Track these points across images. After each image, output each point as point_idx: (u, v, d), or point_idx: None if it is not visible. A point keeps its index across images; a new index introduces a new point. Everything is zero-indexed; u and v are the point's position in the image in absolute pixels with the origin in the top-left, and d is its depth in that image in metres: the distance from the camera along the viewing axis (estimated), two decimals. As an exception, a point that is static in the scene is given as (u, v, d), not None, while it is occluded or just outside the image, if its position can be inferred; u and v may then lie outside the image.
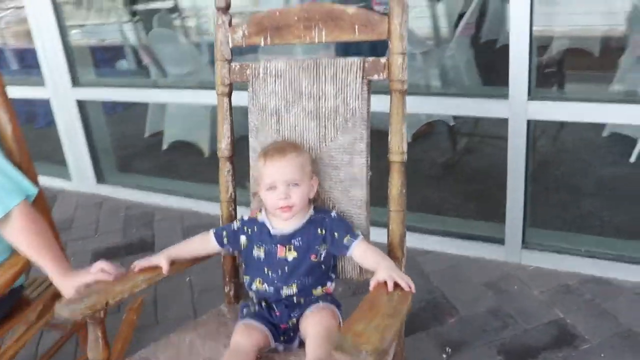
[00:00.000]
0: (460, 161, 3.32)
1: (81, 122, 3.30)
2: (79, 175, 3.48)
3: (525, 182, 2.11)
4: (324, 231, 1.28)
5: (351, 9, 1.30)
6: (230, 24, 1.42)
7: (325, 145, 1.36)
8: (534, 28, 1.91)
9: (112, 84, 3.53)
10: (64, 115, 3.33)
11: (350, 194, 1.36)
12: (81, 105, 3.29)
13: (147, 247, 2.73)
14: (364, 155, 1.34)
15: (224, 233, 1.36)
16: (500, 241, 2.25)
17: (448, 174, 3.13)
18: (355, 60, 1.32)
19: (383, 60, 1.29)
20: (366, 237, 1.32)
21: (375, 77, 1.31)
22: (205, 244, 1.38)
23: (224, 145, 1.47)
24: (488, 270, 2.24)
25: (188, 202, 3.06)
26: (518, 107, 2.00)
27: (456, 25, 3.51)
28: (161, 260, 1.30)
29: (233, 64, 1.44)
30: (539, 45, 3.41)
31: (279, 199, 1.24)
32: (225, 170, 1.49)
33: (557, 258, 2.19)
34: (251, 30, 1.40)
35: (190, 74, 3.88)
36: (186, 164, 3.76)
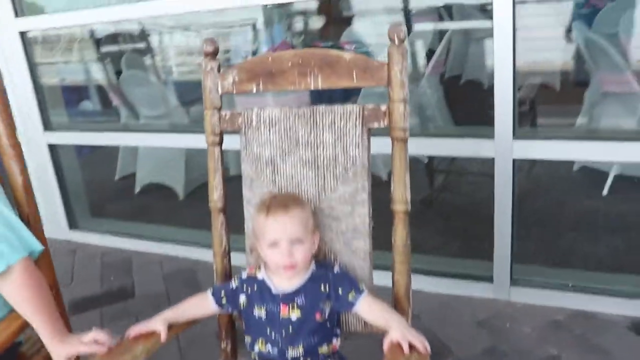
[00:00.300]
0: (438, 198, 3.26)
1: (53, 166, 3.13)
2: (50, 221, 3.28)
3: (512, 220, 2.05)
4: (327, 288, 1.18)
5: (348, 55, 1.23)
6: (219, 69, 1.33)
7: (325, 195, 1.27)
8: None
9: (85, 127, 3.38)
10: (34, 160, 3.14)
11: (352, 246, 1.27)
12: (52, 149, 3.12)
13: (127, 295, 2.56)
14: (365, 205, 1.25)
15: (222, 293, 1.24)
16: (489, 279, 2.19)
17: (427, 211, 3.07)
18: (354, 108, 1.23)
19: (383, 107, 1.22)
20: (370, 289, 1.23)
21: (376, 124, 1.23)
22: (202, 305, 1.26)
23: (216, 196, 1.36)
24: (478, 309, 2.16)
25: (166, 247, 2.91)
26: (504, 147, 1.96)
27: (427, 63, 3.50)
28: (158, 325, 1.18)
29: (223, 112, 1.34)
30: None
31: (282, 257, 1.13)
32: (218, 222, 1.38)
33: (544, 293, 2.14)
34: (242, 77, 1.31)
35: (162, 117, 3.75)
36: (161, 207, 3.61)
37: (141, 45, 4.61)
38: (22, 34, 2.96)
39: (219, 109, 1.34)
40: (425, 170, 3.31)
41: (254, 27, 5.14)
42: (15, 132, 1.42)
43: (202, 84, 1.33)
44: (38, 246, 1.29)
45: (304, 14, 4.90)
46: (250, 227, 1.33)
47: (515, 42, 1.85)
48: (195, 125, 3.88)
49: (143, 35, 4.59)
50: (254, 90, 1.30)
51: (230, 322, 1.37)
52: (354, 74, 1.23)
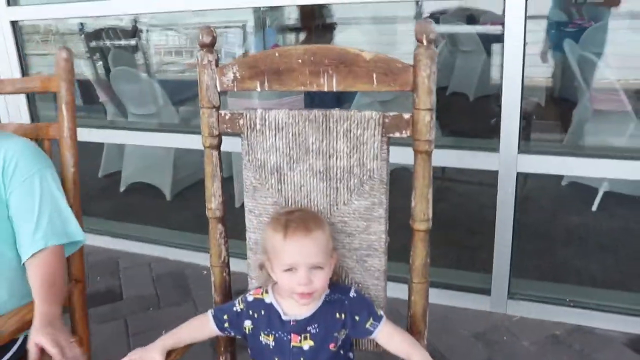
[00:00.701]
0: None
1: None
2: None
3: (513, 234, 1.91)
4: (343, 315, 1.00)
5: (369, 54, 1.04)
6: (217, 64, 1.13)
7: (337, 209, 1.09)
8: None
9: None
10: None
11: (366, 264, 1.10)
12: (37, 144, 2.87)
13: (114, 297, 2.36)
14: (382, 222, 1.08)
15: (225, 317, 1.06)
16: (486, 291, 2.04)
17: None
18: (374, 115, 1.06)
19: (407, 116, 1.04)
20: (385, 310, 1.07)
21: (397, 134, 1.05)
22: (202, 328, 1.07)
23: (214, 205, 1.17)
24: (475, 321, 2.02)
25: (155, 248, 2.70)
26: (508, 160, 1.82)
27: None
28: (156, 355, 0.99)
29: (222, 112, 1.14)
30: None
31: (299, 284, 0.95)
32: (217, 232, 1.19)
33: (541, 308, 2.01)
34: (244, 74, 1.11)
35: (151, 115, 3.52)
36: (147, 207, 3.38)
37: (130, 42, 4.37)
38: (14, 24, 2.73)
39: (217, 108, 1.15)
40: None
41: (244, 28, 4.94)
42: (75, 124, 1.34)
43: (198, 79, 1.13)
44: (81, 237, 1.23)
45: (296, 18, 4.73)
46: (253, 239, 1.15)
47: (524, 57, 1.71)
48: (185, 125, 3.68)
49: (132, 33, 4.36)
50: (258, 89, 1.11)
51: (229, 337, 1.18)
52: (374, 76, 1.04)
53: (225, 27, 5.24)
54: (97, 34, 4.01)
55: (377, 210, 1.08)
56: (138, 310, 2.27)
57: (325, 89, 1.07)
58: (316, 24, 4.67)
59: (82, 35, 3.83)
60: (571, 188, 2.88)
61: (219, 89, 1.13)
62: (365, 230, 1.09)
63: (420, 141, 1.03)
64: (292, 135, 1.09)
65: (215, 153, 1.15)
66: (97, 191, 3.63)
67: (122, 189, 3.55)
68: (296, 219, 0.99)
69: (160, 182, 3.41)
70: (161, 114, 3.52)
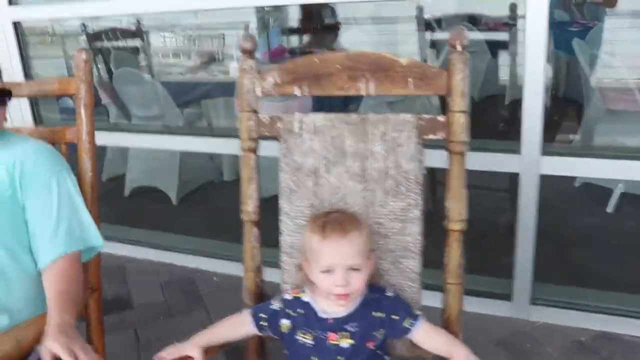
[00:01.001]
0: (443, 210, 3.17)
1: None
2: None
3: (536, 238, 1.98)
4: (381, 314, 1.07)
5: (404, 60, 1.13)
6: (257, 69, 1.22)
7: (373, 210, 1.17)
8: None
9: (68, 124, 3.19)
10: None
11: (401, 265, 1.17)
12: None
13: (124, 305, 2.41)
14: (417, 224, 1.16)
15: (263, 315, 1.12)
16: (506, 297, 2.10)
17: (435, 224, 2.98)
18: (409, 118, 1.14)
19: (441, 118, 1.13)
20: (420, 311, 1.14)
21: (432, 136, 1.14)
22: (240, 327, 1.14)
23: (250, 208, 1.24)
24: (496, 328, 2.08)
25: (163, 254, 2.76)
26: (530, 162, 1.89)
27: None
28: (193, 351, 1.05)
29: (261, 116, 1.22)
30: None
31: (336, 285, 1.02)
32: (251, 235, 1.25)
33: (564, 313, 2.06)
34: (284, 79, 1.20)
35: (155, 117, 3.59)
36: (153, 211, 3.44)
37: (132, 43, 4.45)
38: (16, 24, 2.79)
39: (256, 112, 1.22)
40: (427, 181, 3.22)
41: (246, 29, 5.02)
42: (93, 128, 1.38)
43: (238, 83, 1.22)
44: (99, 242, 1.25)
45: (299, 18, 4.80)
46: (288, 242, 1.22)
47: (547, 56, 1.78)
48: (190, 127, 3.75)
49: (135, 34, 4.44)
50: (298, 93, 1.20)
51: (259, 341, 1.25)
52: (410, 81, 1.13)
53: (228, 28, 5.33)
54: (99, 35, 4.09)
55: (412, 211, 1.15)
56: (148, 319, 2.30)
57: (364, 94, 1.15)
58: (319, 25, 4.77)
59: (84, 37, 3.90)
60: (585, 189, 2.95)
61: (259, 94, 1.21)
62: (401, 231, 1.16)
63: (455, 142, 1.11)
64: (330, 138, 1.17)
65: (252, 156, 1.23)
66: (101, 195, 3.67)
67: (126, 193, 3.62)
68: (333, 220, 1.06)
69: (166, 186, 3.48)
70: (165, 116, 3.60)
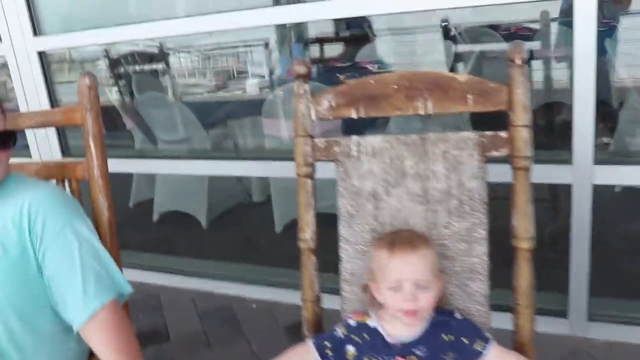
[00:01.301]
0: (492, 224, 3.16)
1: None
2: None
3: (590, 250, 1.97)
4: (451, 337, 1.08)
5: (462, 77, 1.16)
6: (311, 93, 1.25)
7: (437, 232, 1.18)
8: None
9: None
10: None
11: (468, 288, 1.18)
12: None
13: (161, 337, 2.42)
14: (484, 244, 1.17)
15: (327, 343, 1.13)
16: (562, 314, 2.08)
17: (494, 241, 2.96)
18: (471, 135, 1.16)
19: (504, 134, 1.14)
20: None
21: (495, 153, 1.15)
22: (302, 358, 1.14)
23: (308, 235, 1.26)
24: (553, 347, 2.05)
25: (198, 281, 2.78)
26: (583, 173, 1.88)
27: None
28: None
29: (317, 140, 1.25)
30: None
31: (404, 301, 1.04)
32: (309, 264, 1.27)
33: (625, 330, 2.03)
34: (339, 101, 1.23)
35: (181, 141, 3.65)
36: (183, 237, 3.47)
37: (154, 66, 4.53)
38: (41, 54, 2.87)
39: (312, 137, 1.25)
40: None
41: (266, 46, 5.09)
42: (106, 163, 1.31)
43: (294, 108, 1.25)
44: (127, 288, 1.18)
45: (320, 35, 4.87)
46: (349, 270, 1.24)
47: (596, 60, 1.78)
48: (217, 150, 3.80)
49: (156, 56, 4.53)
50: (354, 116, 1.22)
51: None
52: (469, 98, 1.15)
53: (246, 46, 5.41)
54: (119, 60, 4.18)
55: (478, 231, 1.16)
56: (187, 351, 2.30)
57: (422, 113, 1.17)
58: (343, 37, 4.82)
59: (106, 61, 3.99)
60: (626, 194, 2.91)
61: (314, 118, 1.23)
62: (467, 252, 1.17)
63: (519, 158, 1.12)
64: (389, 159, 1.19)
65: (309, 182, 1.25)
66: (130, 221, 3.74)
67: (155, 218, 3.66)
68: (402, 237, 1.10)
69: (195, 210, 3.51)
70: (192, 139, 3.65)
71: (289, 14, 2.46)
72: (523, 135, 1.12)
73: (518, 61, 1.11)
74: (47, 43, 2.90)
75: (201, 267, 2.89)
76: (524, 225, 1.14)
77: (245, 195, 3.67)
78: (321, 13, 2.22)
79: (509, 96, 1.12)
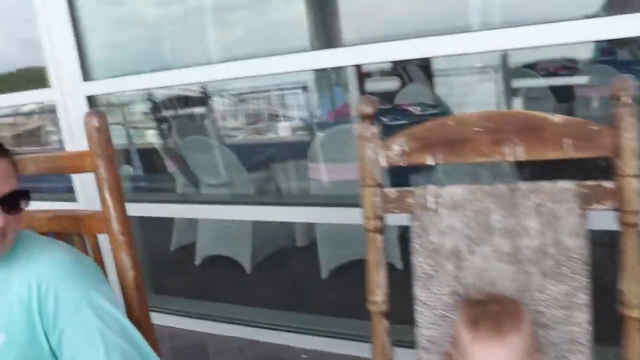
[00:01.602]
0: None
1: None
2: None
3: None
4: None
5: (558, 118, 0.99)
6: (380, 136, 1.09)
7: (529, 296, 1.00)
8: None
9: (136, 197, 3.14)
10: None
11: (568, 362, 0.98)
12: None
13: (210, 389, 2.26)
14: (586, 310, 0.98)
15: None
16: None
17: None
18: (569, 185, 0.98)
19: (609, 184, 0.96)
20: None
21: (597, 206, 0.97)
22: None
23: (379, 297, 1.09)
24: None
25: (244, 329, 2.61)
26: None
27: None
28: None
29: (387, 190, 1.09)
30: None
31: None
32: (381, 328, 1.10)
33: None
34: (413, 146, 1.07)
35: (224, 185, 3.54)
36: (227, 282, 3.33)
37: (195, 109, 4.49)
38: (90, 98, 2.82)
39: (381, 186, 1.09)
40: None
41: (304, 89, 5.02)
42: (126, 215, 1.13)
43: (359, 154, 1.09)
44: None
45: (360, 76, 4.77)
46: (427, 336, 1.06)
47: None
48: (261, 195, 3.68)
49: (196, 99, 4.49)
50: (431, 163, 1.06)
51: None
52: (566, 142, 0.98)
53: (279, 89, 5.35)
54: (162, 103, 4.14)
55: (579, 296, 0.98)
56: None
57: (511, 159, 1.01)
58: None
59: (149, 104, 3.95)
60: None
61: (383, 164, 1.07)
62: (565, 320, 0.99)
63: (628, 213, 0.94)
64: (472, 213, 1.02)
65: (379, 237, 1.08)
66: (172, 266, 3.62)
67: (197, 262, 3.53)
68: (489, 315, 0.91)
69: (239, 254, 3.37)
70: (234, 182, 3.53)
71: (330, 59, 2.33)
72: (633, 187, 0.94)
73: (625, 99, 0.93)
74: (96, 88, 2.85)
75: (246, 313, 2.73)
76: (635, 291, 0.95)
77: (289, 239, 3.52)
78: (362, 57, 2.08)
79: (615, 140, 0.94)
